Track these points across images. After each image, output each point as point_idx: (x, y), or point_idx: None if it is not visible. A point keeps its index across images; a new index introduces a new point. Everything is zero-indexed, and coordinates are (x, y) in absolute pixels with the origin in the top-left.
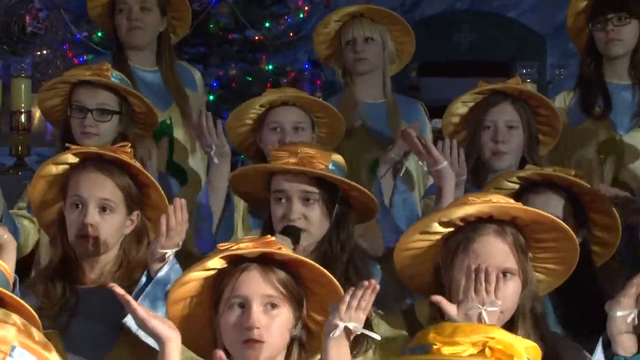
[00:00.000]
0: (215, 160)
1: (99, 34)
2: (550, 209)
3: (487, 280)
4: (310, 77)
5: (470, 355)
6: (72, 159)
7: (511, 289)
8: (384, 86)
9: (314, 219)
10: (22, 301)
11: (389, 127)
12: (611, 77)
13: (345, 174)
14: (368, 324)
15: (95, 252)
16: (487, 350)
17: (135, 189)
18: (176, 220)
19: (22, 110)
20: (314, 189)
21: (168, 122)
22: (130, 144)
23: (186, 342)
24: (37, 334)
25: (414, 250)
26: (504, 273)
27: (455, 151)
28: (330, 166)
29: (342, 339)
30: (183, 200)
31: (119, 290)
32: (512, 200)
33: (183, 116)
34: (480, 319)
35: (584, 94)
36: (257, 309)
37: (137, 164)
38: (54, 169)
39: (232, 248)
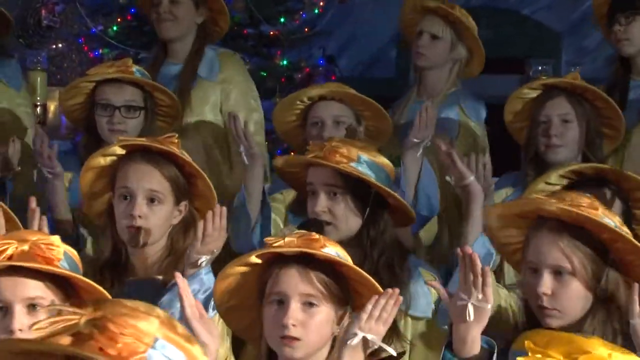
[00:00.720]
0: (246, 161)
1: (115, 28)
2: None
3: (473, 273)
4: (325, 72)
5: None
6: (120, 150)
7: (571, 291)
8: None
9: (338, 214)
10: (96, 285)
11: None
12: (636, 75)
13: (384, 173)
14: (394, 325)
15: (143, 243)
16: None
17: (182, 179)
18: (214, 226)
19: (38, 103)
20: (337, 182)
21: None
22: (176, 135)
23: (238, 330)
24: (180, 327)
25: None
26: (559, 272)
27: (482, 166)
28: (358, 161)
29: (358, 349)
30: (224, 208)
31: (181, 282)
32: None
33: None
34: (465, 314)
35: (607, 92)
36: (294, 307)
37: (184, 155)
38: (102, 161)
39: (273, 245)
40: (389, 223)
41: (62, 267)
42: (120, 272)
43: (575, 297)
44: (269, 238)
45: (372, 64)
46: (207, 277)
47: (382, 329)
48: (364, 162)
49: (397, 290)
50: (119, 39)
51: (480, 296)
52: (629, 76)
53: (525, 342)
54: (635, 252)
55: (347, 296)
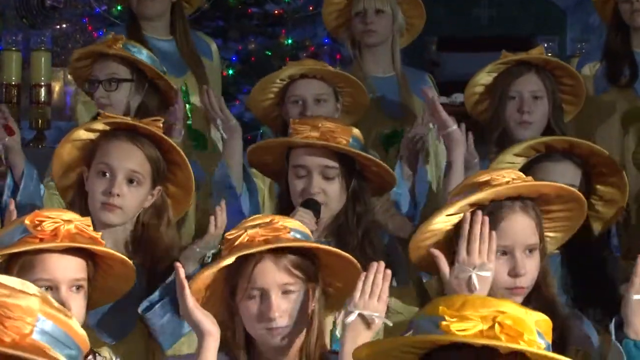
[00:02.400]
0: (224, 135)
1: (119, 7)
2: (566, 177)
3: (481, 239)
4: (330, 51)
5: (480, 331)
6: (103, 126)
7: (535, 264)
8: (392, 59)
9: (332, 194)
10: (115, 252)
11: (401, 100)
12: (638, 47)
13: (363, 147)
14: None
15: (116, 222)
16: (496, 326)
17: (163, 163)
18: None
19: (42, 83)
20: (335, 164)
21: (183, 88)
22: (163, 119)
23: None
24: (54, 302)
25: (431, 236)
26: (530, 250)
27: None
28: (351, 141)
29: (359, 328)
30: (223, 205)
31: (182, 273)
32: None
33: (199, 82)
34: (470, 284)
35: (610, 64)
36: (276, 298)
37: (169, 139)
38: (84, 134)
39: (243, 245)
40: (369, 197)
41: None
42: None
43: (537, 269)
44: (229, 232)
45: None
46: None
47: (378, 304)
48: (354, 141)
49: (382, 264)
50: (123, 19)
51: (484, 261)
52: (630, 47)
53: (440, 307)
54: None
55: (315, 271)
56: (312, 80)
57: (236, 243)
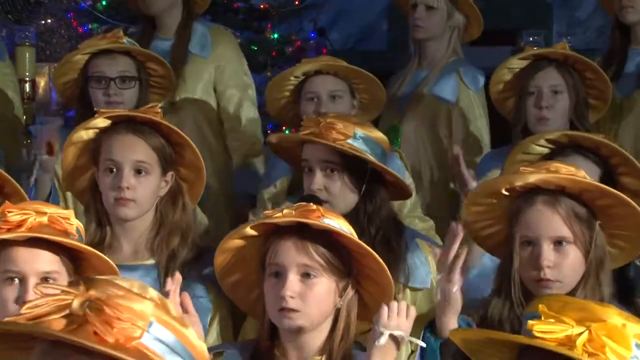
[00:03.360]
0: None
1: (104, 2)
2: None
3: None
4: (316, 46)
5: (566, 337)
6: (102, 123)
7: (571, 259)
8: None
9: (334, 191)
10: (111, 262)
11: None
12: (635, 44)
13: (379, 147)
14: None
15: (132, 215)
16: (583, 334)
17: (169, 148)
18: None
19: (27, 79)
20: (334, 159)
21: None
22: (160, 105)
23: (246, 308)
24: (173, 309)
25: (477, 223)
26: (559, 242)
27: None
28: (355, 137)
29: (388, 347)
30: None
31: (170, 285)
32: (565, 169)
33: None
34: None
35: (605, 59)
36: (292, 278)
37: (168, 123)
38: (85, 135)
39: (269, 217)
40: (386, 198)
41: (78, 242)
42: (105, 252)
43: (574, 266)
44: (267, 211)
45: (363, 37)
46: None
47: (407, 322)
48: (359, 138)
49: (411, 308)
50: (108, 14)
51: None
52: (627, 44)
53: (539, 305)
54: (624, 204)
55: (348, 268)
56: (327, 76)
57: (263, 221)
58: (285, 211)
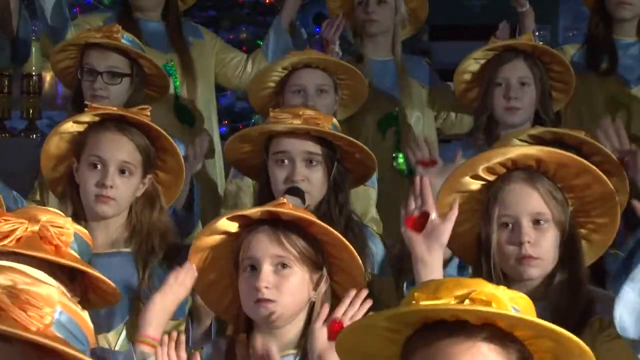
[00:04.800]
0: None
1: None
2: None
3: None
4: (321, 40)
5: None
6: (91, 118)
7: (549, 237)
8: (393, 48)
9: (316, 181)
10: (99, 274)
11: (398, 85)
12: (619, 34)
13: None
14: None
15: (110, 213)
16: (467, 300)
17: (153, 151)
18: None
19: (33, 73)
20: (318, 150)
21: (171, 64)
22: (150, 108)
23: (219, 311)
24: (69, 294)
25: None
26: (538, 220)
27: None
28: (332, 128)
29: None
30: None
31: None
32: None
33: (183, 68)
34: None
35: (590, 50)
36: (266, 269)
37: (158, 127)
38: (72, 127)
39: (238, 211)
40: (349, 188)
41: (71, 251)
42: None
43: (552, 245)
44: (237, 210)
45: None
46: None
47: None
48: (334, 129)
49: (364, 292)
50: (114, 8)
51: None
52: (611, 36)
53: (415, 293)
54: (600, 182)
55: (321, 260)
56: (315, 70)
57: (236, 213)
58: (255, 209)
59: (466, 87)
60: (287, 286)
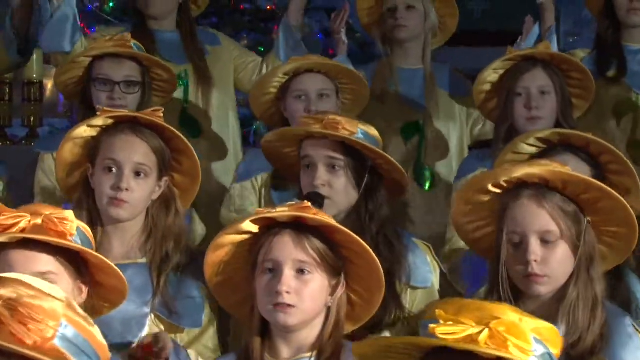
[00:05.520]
0: None
1: (111, 4)
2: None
3: None
4: (323, 47)
5: (467, 336)
6: (104, 121)
7: (559, 254)
8: (423, 57)
9: (338, 187)
10: (107, 261)
11: (425, 93)
12: (628, 41)
13: (378, 145)
14: (396, 296)
15: (125, 217)
16: (485, 331)
17: (168, 153)
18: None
19: (35, 81)
20: (338, 155)
21: (183, 74)
22: (162, 109)
23: (227, 305)
24: (79, 307)
25: (469, 224)
26: (546, 236)
27: None
28: (358, 134)
29: None
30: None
31: None
32: (550, 163)
33: (198, 77)
34: None
35: (600, 55)
36: (288, 273)
37: (172, 128)
38: (85, 132)
39: (265, 212)
40: (385, 197)
41: (74, 242)
42: (96, 251)
43: (563, 261)
44: (259, 209)
45: (369, 38)
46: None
47: None
48: (362, 135)
49: None
50: (115, 15)
51: None
52: (620, 41)
53: (436, 311)
54: (609, 198)
55: (340, 266)
56: (317, 75)
57: (263, 215)
58: (279, 208)
59: (486, 97)
60: (307, 292)
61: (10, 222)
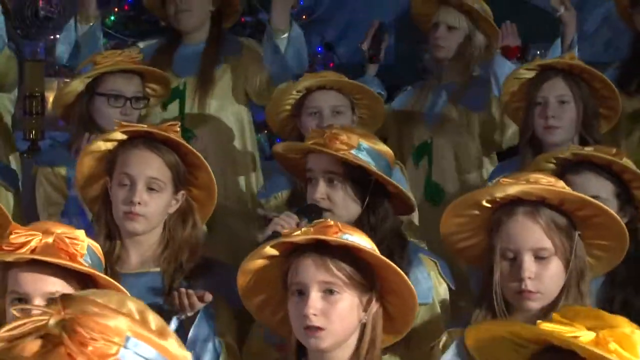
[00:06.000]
0: None
1: (112, 18)
2: (590, 189)
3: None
4: (323, 60)
5: (592, 340)
6: (121, 136)
7: (552, 270)
8: (463, 74)
9: (337, 201)
10: (115, 282)
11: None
12: None
13: (384, 160)
14: None
15: (141, 230)
16: (610, 343)
17: (183, 168)
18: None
19: (36, 94)
20: (337, 169)
21: (181, 87)
22: (179, 124)
23: (274, 328)
24: (152, 321)
25: (456, 234)
26: (540, 253)
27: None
28: (359, 149)
29: None
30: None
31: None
32: (545, 180)
33: (200, 85)
34: None
35: (626, 71)
36: (314, 296)
37: (186, 143)
38: (103, 145)
39: (288, 236)
40: (390, 211)
41: (84, 263)
42: (114, 263)
43: (555, 277)
44: (285, 230)
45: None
46: (204, 323)
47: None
48: (364, 150)
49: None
50: (117, 29)
51: None
52: None
53: (553, 314)
54: (605, 215)
55: (371, 282)
56: (330, 91)
57: (282, 240)
58: (303, 229)
59: (515, 106)
60: (335, 313)
61: (22, 240)
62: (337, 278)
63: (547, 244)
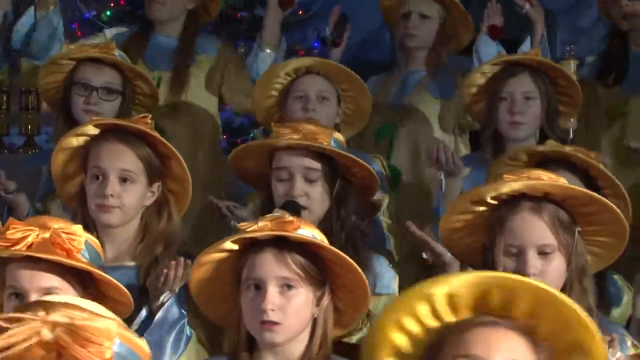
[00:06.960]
0: None
1: (108, 13)
2: None
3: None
4: (319, 55)
5: None
6: (92, 130)
7: (554, 266)
8: (428, 63)
9: (315, 197)
10: (111, 278)
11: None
12: (635, 47)
13: (345, 150)
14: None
15: (115, 222)
16: None
17: (156, 159)
18: (175, 274)
19: (32, 89)
20: (318, 166)
21: (155, 83)
22: (150, 116)
23: (216, 319)
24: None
25: (457, 232)
26: (544, 249)
27: (450, 155)
28: (333, 143)
29: None
30: (182, 260)
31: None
32: (546, 176)
33: (173, 79)
34: None
35: (605, 64)
36: (272, 291)
37: (157, 134)
38: (75, 141)
39: (247, 230)
40: (352, 203)
41: (82, 258)
42: None
43: (558, 273)
44: (242, 224)
45: (365, 47)
46: (175, 309)
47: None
48: (335, 143)
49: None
50: (112, 24)
51: None
52: (626, 48)
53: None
54: (609, 211)
55: (324, 276)
56: (317, 76)
57: (243, 235)
58: (260, 224)
59: (472, 100)
60: (292, 308)
61: (19, 235)
62: (294, 274)
63: (551, 240)
